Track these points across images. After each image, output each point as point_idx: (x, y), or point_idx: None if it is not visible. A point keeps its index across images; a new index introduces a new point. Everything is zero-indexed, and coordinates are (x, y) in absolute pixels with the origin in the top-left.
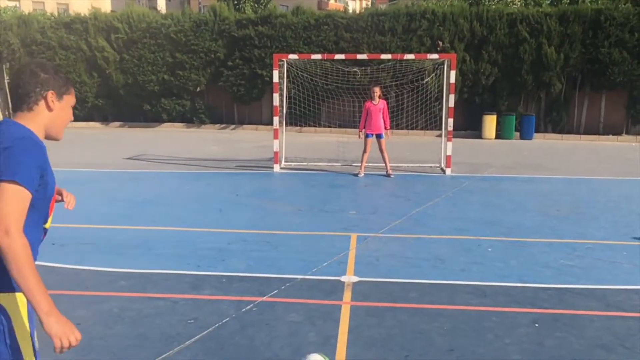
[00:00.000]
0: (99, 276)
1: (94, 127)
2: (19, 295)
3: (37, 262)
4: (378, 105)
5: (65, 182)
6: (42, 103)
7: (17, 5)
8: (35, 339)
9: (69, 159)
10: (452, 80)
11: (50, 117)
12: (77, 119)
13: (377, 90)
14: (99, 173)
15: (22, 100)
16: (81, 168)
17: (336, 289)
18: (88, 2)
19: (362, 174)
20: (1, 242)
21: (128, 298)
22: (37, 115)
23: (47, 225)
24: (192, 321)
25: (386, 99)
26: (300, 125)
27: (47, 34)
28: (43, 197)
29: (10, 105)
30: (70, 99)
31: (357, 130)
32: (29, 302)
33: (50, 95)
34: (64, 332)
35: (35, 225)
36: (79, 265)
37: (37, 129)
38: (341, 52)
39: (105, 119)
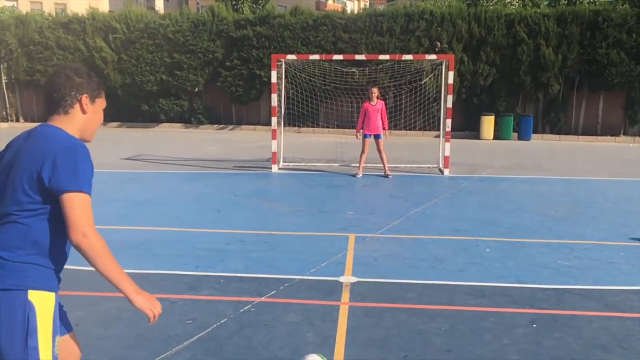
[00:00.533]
0: (96, 277)
1: None
2: (50, 295)
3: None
4: (376, 106)
5: None
6: (77, 106)
7: (15, 5)
8: (57, 344)
9: None
10: (450, 80)
11: (84, 119)
12: None
13: (375, 91)
14: (97, 173)
15: (58, 103)
16: None
17: (334, 289)
18: (86, 2)
19: (361, 175)
20: (82, 244)
21: (126, 299)
22: (73, 118)
23: None
24: (190, 321)
25: (384, 100)
26: (299, 126)
27: (45, 34)
28: None
29: (7, 106)
30: (102, 102)
31: (355, 130)
32: (115, 284)
33: (85, 98)
34: (153, 305)
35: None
36: (76, 265)
37: (73, 131)
38: (339, 53)
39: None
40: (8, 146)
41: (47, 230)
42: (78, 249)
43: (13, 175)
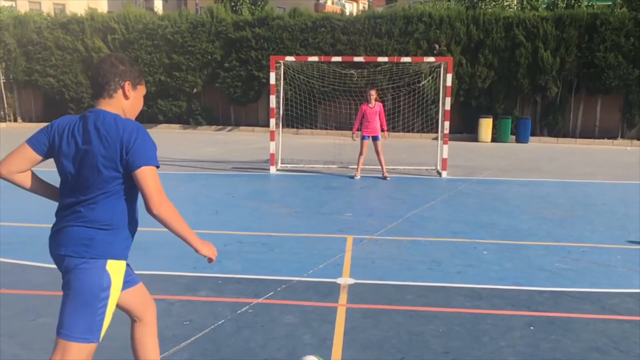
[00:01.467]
0: None
1: None
2: (122, 263)
3: (30, 263)
4: (374, 108)
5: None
6: (120, 91)
7: (14, 5)
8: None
9: None
10: (449, 83)
11: (126, 104)
12: None
13: (373, 93)
14: None
15: (102, 88)
16: None
17: (332, 291)
18: (85, 2)
19: (359, 176)
20: (161, 213)
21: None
22: (117, 102)
23: None
24: (187, 323)
25: (382, 102)
26: (297, 127)
27: (44, 34)
28: None
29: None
30: (142, 89)
31: (356, 133)
32: (185, 240)
33: (127, 85)
34: (212, 252)
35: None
36: None
37: (118, 113)
38: (338, 55)
39: None
40: (59, 132)
41: (125, 206)
42: (157, 217)
43: (87, 160)
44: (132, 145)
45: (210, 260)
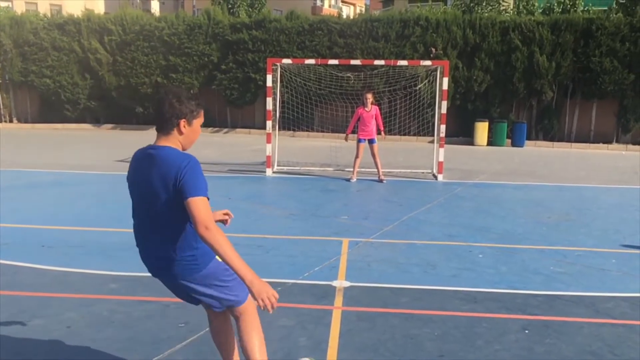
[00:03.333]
0: (88, 279)
1: (85, 129)
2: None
3: (25, 264)
4: (370, 111)
5: (55, 184)
6: (175, 129)
7: (10, 5)
8: None
9: (59, 161)
10: (445, 87)
11: (182, 138)
12: (68, 120)
13: (369, 97)
14: (90, 175)
15: (162, 125)
16: (72, 170)
17: (328, 293)
18: (81, 3)
19: (355, 179)
20: (206, 235)
21: (118, 301)
22: (174, 137)
23: None
24: (183, 325)
25: (379, 105)
26: (293, 130)
27: (40, 35)
28: None
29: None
30: (199, 121)
31: (350, 135)
32: (234, 269)
33: (182, 122)
34: (266, 292)
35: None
36: (68, 267)
37: (176, 146)
38: (335, 58)
39: (97, 120)
40: (133, 170)
41: (190, 227)
42: (203, 239)
43: (152, 196)
44: (182, 179)
45: (262, 306)
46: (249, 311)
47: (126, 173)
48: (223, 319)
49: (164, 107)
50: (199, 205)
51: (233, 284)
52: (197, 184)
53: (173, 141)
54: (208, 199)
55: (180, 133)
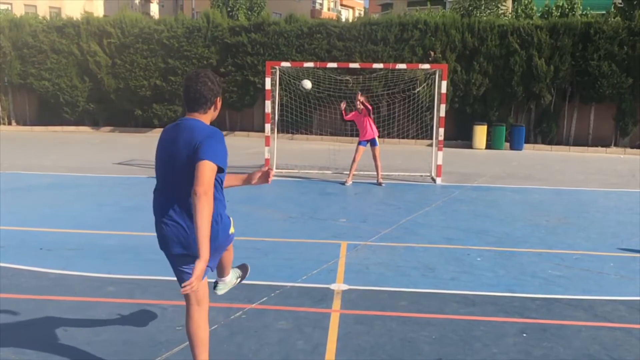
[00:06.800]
0: (86, 282)
1: (84, 132)
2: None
3: (23, 267)
4: (362, 114)
5: (54, 187)
6: (212, 106)
7: (9, 8)
8: None
9: (58, 163)
10: (444, 90)
11: (215, 113)
12: (67, 123)
13: (359, 98)
14: (88, 177)
15: (201, 104)
16: (70, 172)
17: (326, 296)
18: (81, 5)
19: (350, 183)
20: (201, 197)
21: (116, 304)
22: (208, 115)
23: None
24: (180, 328)
25: (377, 108)
26: (292, 133)
27: (39, 38)
28: (224, 174)
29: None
30: (221, 97)
31: (349, 138)
32: (198, 241)
33: (218, 100)
34: (200, 278)
35: (219, 190)
36: (66, 270)
37: (206, 121)
38: (334, 61)
39: (96, 123)
40: (159, 141)
41: (222, 191)
42: (194, 198)
43: (179, 164)
44: (203, 143)
45: (186, 283)
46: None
47: (126, 175)
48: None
49: (205, 88)
50: (205, 169)
51: (231, 239)
52: (215, 152)
53: (205, 117)
54: (224, 171)
55: (216, 108)
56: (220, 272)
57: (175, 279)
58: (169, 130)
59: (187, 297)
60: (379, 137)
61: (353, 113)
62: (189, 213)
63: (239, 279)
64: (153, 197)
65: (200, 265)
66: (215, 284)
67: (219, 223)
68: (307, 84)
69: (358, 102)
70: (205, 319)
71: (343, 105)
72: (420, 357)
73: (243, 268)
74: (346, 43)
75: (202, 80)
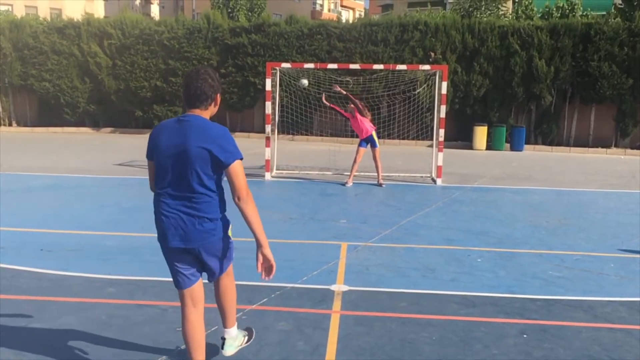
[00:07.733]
0: (86, 282)
1: (84, 133)
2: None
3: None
4: (355, 115)
5: (54, 187)
6: (212, 103)
7: (10, 9)
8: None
9: (58, 164)
10: (444, 91)
11: (215, 109)
12: (68, 124)
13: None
14: (89, 178)
15: (202, 101)
16: (70, 173)
17: (326, 297)
18: (81, 6)
19: (350, 184)
20: (245, 201)
21: (116, 305)
22: (209, 111)
23: None
24: (180, 329)
25: (378, 109)
26: (292, 134)
27: (40, 39)
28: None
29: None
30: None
31: (349, 139)
32: (256, 236)
33: (218, 96)
34: (272, 258)
35: (222, 189)
36: (66, 271)
37: (206, 117)
38: (334, 62)
39: (96, 124)
40: (158, 136)
41: (222, 193)
42: (239, 204)
43: (186, 162)
44: (223, 146)
45: (265, 270)
46: (231, 271)
47: (126, 176)
48: (218, 285)
49: (206, 84)
50: (239, 171)
51: (231, 254)
52: (234, 148)
53: (206, 113)
54: (242, 158)
55: (216, 104)
56: (224, 320)
57: None
58: (170, 126)
59: (182, 298)
60: (377, 134)
61: (348, 117)
62: (191, 206)
63: (245, 337)
64: (154, 192)
65: (265, 250)
66: (223, 343)
67: (217, 223)
68: (304, 82)
69: (350, 106)
70: (201, 320)
71: (324, 97)
72: (420, 358)
73: (249, 331)
74: (346, 44)
75: (202, 77)
